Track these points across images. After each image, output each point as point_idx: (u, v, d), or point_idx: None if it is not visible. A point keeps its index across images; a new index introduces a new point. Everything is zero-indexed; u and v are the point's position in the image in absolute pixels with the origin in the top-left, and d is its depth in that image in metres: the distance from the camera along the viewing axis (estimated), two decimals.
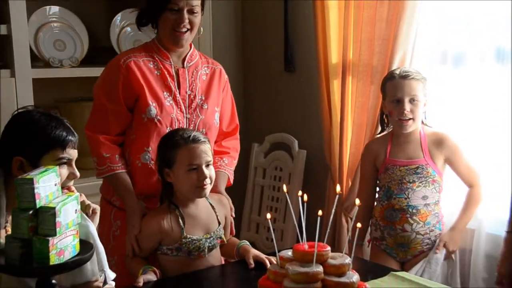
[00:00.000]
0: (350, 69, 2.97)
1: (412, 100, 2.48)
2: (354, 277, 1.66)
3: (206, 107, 2.34)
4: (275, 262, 1.99)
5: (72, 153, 1.78)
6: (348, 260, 1.68)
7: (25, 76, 2.81)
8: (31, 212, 1.50)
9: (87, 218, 1.83)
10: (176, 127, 2.27)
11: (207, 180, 2.05)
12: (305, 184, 3.39)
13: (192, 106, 2.32)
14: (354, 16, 2.90)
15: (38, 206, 1.51)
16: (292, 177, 3.45)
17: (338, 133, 3.05)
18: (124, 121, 2.28)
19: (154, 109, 2.24)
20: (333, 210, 1.78)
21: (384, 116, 2.66)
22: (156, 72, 2.29)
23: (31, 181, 1.50)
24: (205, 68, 2.41)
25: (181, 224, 2.06)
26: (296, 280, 1.62)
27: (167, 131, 2.26)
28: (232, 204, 2.30)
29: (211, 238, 2.11)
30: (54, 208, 1.50)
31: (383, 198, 2.57)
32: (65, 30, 3.13)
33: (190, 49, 2.38)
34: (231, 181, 2.40)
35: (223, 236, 2.17)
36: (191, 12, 2.25)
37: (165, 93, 2.27)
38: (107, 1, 3.40)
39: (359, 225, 1.74)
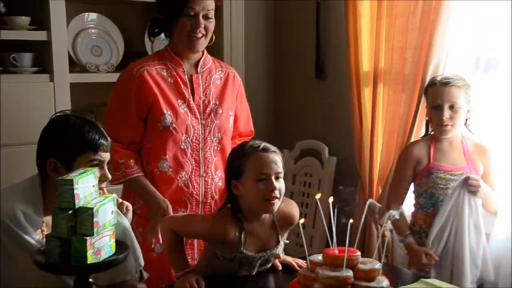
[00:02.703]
0: (382, 77, 2.97)
1: (451, 107, 2.49)
2: (384, 282, 1.67)
3: (220, 111, 2.36)
4: (303, 264, 2.02)
5: (104, 156, 1.83)
6: (378, 265, 1.69)
7: (63, 81, 2.88)
8: (70, 212, 1.54)
9: (122, 215, 1.88)
10: (192, 134, 2.30)
11: (276, 192, 1.93)
12: (335, 191, 3.40)
13: (207, 112, 2.33)
14: (386, 24, 2.91)
15: (77, 206, 1.55)
16: (321, 184, 3.46)
17: (368, 140, 3.05)
18: (135, 131, 2.30)
19: (169, 117, 2.26)
20: (363, 216, 1.80)
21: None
22: (169, 79, 2.30)
23: (70, 182, 1.54)
24: (219, 73, 2.42)
25: (242, 239, 1.98)
26: (326, 284, 1.64)
27: (183, 138, 2.28)
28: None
29: (266, 256, 2.04)
30: (92, 208, 1.55)
31: (427, 204, 2.55)
32: (102, 36, 3.20)
33: (203, 55, 2.39)
34: None
35: (280, 253, 2.09)
36: (206, 17, 2.26)
37: (179, 100, 2.29)
38: (143, 8, 3.46)
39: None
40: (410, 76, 2.81)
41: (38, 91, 2.82)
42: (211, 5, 2.27)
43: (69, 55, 2.98)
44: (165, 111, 2.26)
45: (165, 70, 2.31)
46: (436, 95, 2.53)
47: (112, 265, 1.61)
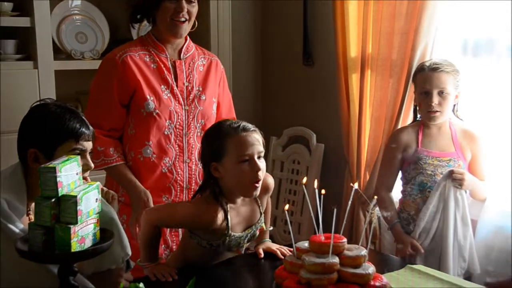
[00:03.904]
0: (369, 63, 2.97)
1: (440, 93, 2.48)
2: (370, 268, 1.67)
3: (204, 98, 2.36)
4: (287, 252, 2.02)
5: (86, 145, 1.80)
6: (364, 252, 1.69)
7: (48, 68, 2.85)
8: (53, 200, 1.53)
9: (108, 204, 1.86)
10: (175, 120, 2.28)
11: (260, 174, 1.89)
12: (323, 177, 3.40)
13: (190, 98, 2.33)
14: (373, 10, 2.89)
15: (60, 194, 1.54)
16: (309, 171, 3.46)
17: (356, 127, 3.05)
18: (116, 117, 2.29)
19: (152, 103, 2.25)
20: (349, 203, 1.80)
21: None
22: (152, 65, 2.30)
23: (53, 170, 1.52)
24: (202, 59, 2.42)
25: (228, 222, 1.94)
26: (312, 270, 1.64)
27: (167, 124, 2.27)
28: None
29: (252, 231, 2.03)
30: (75, 196, 1.53)
31: (415, 191, 2.55)
32: (87, 22, 3.16)
33: (186, 41, 2.38)
34: None
35: (263, 224, 2.07)
36: (189, 1, 2.25)
37: (162, 86, 2.29)
38: None
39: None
40: (397, 61, 2.81)
41: (22, 79, 2.79)
42: None
43: (54, 42, 2.94)
44: (148, 97, 2.25)
45: (148, 56, 2.31)
46: (424, 81, 2.53)
47: (96, 253, 1.60)
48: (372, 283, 1.66)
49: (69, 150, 1.75)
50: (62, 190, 1.54)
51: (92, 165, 1.84)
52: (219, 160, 1.91)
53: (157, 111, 2.26)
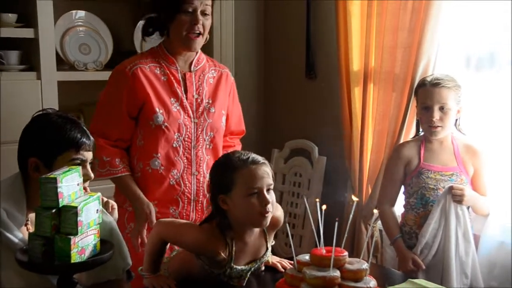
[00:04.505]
0: (372, 76, 2.97)
1: (441, 108, 2.48)
2: (371, 282, 1.66)
3: (213, 110, 2.36)
4: (287, 265, 2.00)
5: (86, 155, 1.80)
6: (365, 265, 1.68)
7: (51, 79, 2.86)
8: (54, 210, 1.53)
9: (108, 214, 1.86)
10: (184, 132, 2.28)
11: (269, 207, 1.83)
12: (324, 190, 3.39)
13: (200, 110, 2.33)
14: (376, 23, 2.90)
15: (60, 205, 1.54)
16: (311, 184, 3.45)
17: (358, 140, 3.05)
18: (124, 128, 2.30)
19: (161, 115, 2.26)
20: (350, 216, 1.79)
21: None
22: (162, 78, 2.30)
23: (54, 180, 1.52)
24: (213, 71, 2.42)
25: (232, 254, 1.89)
26: (313, 284, 1.63)
27: (175, 136, 2.27)
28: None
29: (257, 265, 1.98)
30: (76, 207, 1.53)
31: (417, 205, 2.54)
32: (90, 34, 3.18)
33: (197, 53, 2.39)
34: None
35: (268, 258, 2.02)
36: (203, 13, 2.26)
37: (172, 99, 2.29)
38: (132, 6, 3.44)
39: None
40: (400, 75, 2.81)
41: (25, 89, 2.81)
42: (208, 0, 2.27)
43: (57, 53, 2.96)
44: (157, 110, 2.26)
45: (158, 68, 2.31)
46: (426, 96, 2.52)
47: (96, 265, 1.59)
48: None
49: (69, 160, 1.75)
50: (63, 201, 1.54)
51: (92, 175, 1.83)
52: (228, 193, 1.85)
53: (166, 124, 2.26)
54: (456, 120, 2.56)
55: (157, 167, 2.30)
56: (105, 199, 1.95)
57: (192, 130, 2.32)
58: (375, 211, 1.82)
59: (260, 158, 1.88)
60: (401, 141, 2.78)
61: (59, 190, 1.53)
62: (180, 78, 2.33)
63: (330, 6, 3.19)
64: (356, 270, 1.67)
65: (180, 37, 2.27)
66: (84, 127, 1.82)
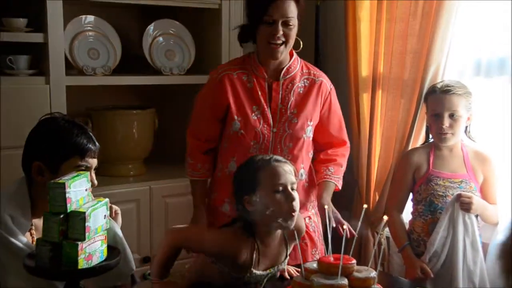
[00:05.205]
0: (381, 82, 2.96)
1: (451, 115, 2.46)
2: None
3: (295, 121, 2.34)
4: (294, 273, 2.00)
5: (91, 161, 1.80)
6: (373, 273, 1.67)
7: (59, 84, 2.85)
8: (62, 216, 1.53)
9: (112, 220, 1.86)
10: (261, 141, 2.30)
11: (295, 204, 1.83)
12: (332, 197, 3.37)
13: (282, 120, 2.33)
14: (385, 29, 2.90)
15: (69, 210, 1.54)
16: None
17: (366, 146, 3.04)
18: (212, 130, 2.40)
19: (238, 123, 2.31)
20: (359, 223, 1.78)
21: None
22: (248, 84, 2.34)
23: (63, 186, 1.53)
24: (305, 81, 2.40)
25: (254, 259, 1.89)
26: None
27: (252, 143, 2.30)
28: (338, 216, 2.18)
29: (274, 271, 1.97)
30: (84, 213, 1.53)
31: (425, 212, 2.52)
32: (99, 39, 3.18)
33: (290, 60, 2.39)
34: (339, 187, 2.44)
35: (286, 267, 2.01)
36: (286, 24, 2.26)
37: (254, 106, 2.32)
38: (141, 11, 3.44)
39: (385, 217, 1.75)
40: (409, 81, 2.80)
41: (34, 94, 2.80)
42: (291, 12, 2.26)
43: (66, 58, 2.96)
44: (235, 117, 2.32)
45: (245, 75, 2.35)
46: (436, 103, 2.51)
47: (104, 271, 1.60)
48: None
49: (74, 166, 1.75)
50: (71, 206, 1.55)
51: (96, 182, 1.83)
52: (253, 193, 1.85)
53: (241, 131, 2.31)
54: (466, 127, 2.54)
55: (234, 170, 2.31)
56: (109, 204, 1.94)
57: (270, 139, 2.33)
58: (385, 217, 1.80)
59: (282, 158, 1.93)
60: (410, 147, 2.76)
61: (67, 195, 1.53)
62: (266, 87, 2.35)
63: (339, 11, 3.19)
64: (364, 278, 1.66)
65: (262, 46, 2.30)
66: (91, 133, 1.82)
